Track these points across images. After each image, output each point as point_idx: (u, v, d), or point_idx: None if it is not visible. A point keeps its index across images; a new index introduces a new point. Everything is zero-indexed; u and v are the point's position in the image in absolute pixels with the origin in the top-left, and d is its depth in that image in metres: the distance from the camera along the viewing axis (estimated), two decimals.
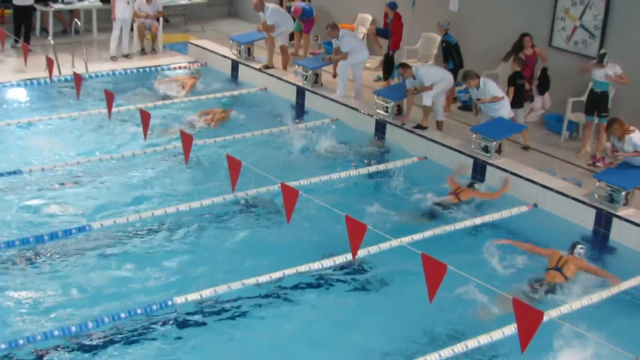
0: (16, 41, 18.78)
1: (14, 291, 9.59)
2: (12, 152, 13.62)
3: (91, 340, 8.71)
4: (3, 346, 8.33)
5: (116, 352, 8.60)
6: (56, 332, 8.63)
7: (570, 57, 15.20)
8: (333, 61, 16.60)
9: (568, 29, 15.31)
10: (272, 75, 17.47)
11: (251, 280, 9.71)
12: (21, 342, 8.44)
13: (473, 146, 13.37)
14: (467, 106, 16.05)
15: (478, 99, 13.74)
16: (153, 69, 18.69)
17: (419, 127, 14.40)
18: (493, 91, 13.68)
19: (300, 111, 16.47)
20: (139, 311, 9.12)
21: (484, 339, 8.80)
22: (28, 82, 17.22)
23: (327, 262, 10.34)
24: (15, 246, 10.47)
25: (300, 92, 16.66)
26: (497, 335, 8.83)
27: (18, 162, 13.08)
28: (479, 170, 13.15)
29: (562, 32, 15.43)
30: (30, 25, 19.39)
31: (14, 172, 12.55)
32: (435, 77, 14.38)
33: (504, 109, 13.79)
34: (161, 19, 20.25)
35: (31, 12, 19.32)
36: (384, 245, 10.21)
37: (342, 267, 10.37)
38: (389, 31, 17.46)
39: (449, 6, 17.33)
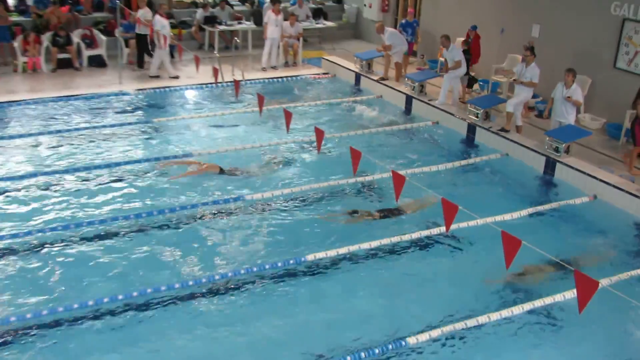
0: (139, 66, 18.94)
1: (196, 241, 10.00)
2: (184, 140, 14.07)
3: (236, 286, 9.05)
4: (135, 293, 8.58)
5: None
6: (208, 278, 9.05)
7: (630, 77, 14.75)
8: (449, 71, 16.08)
9: (631, 54, 14.86)
10: (387, 86, 17.54)
11: (365, 245, 9.88)
12: (193, 283, 8.86)
13: (546, 147, 13.19)
14: (542, 114, 15.80)
15: (568, 97, 13.30)
16: (294, 78, 19.01)
17: (502, 130, 14.31)
18: (579, 96, 13.41)
19: (408, 114, 16.48)
20: (279, 264, 9.35)
21: (548, 300, 8.81)
22: (199, 86, 17.76)
23: (425, 233, 10.45)
24: (187, 209, 10.82)
25: (409, 99, 16.69)
26: (559, 297, 8.83)
27: (188, 147, 13.52)
28: (550, 167, 13.00)
29: (625, 56, 14.99)
30: (145, 48, 18.78)
31: (186, 155, 13.00)
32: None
33: (572, 116, 13.53)
34: (301, 39, 20.52)
35: (146, 39, 18.53)
36: (472, 222, 10.24)
37: (438, 236, 10.46)
38: (467, 52, 17.10)
39: (531, 32, 17.05)
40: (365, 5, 23.53)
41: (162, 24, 17.77)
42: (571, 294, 8.60)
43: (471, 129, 14.84)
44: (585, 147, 14.18)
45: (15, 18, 19.54)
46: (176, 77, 18.20)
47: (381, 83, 17.73)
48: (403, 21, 19.68)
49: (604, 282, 8.69)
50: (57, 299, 8.52)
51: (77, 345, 7.80)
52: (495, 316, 8.43)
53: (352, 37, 24.51)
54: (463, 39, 17.56)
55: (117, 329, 8.08)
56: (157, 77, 18.15)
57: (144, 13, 18.03)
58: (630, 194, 11.66)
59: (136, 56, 19.01)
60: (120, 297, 8.47)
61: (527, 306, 8.67)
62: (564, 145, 12.93)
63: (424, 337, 7.98)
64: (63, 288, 8.76)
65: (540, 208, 11.58)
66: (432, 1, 20.78)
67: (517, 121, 14.58)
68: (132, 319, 8.27)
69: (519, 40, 16.74)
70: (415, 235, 10.34)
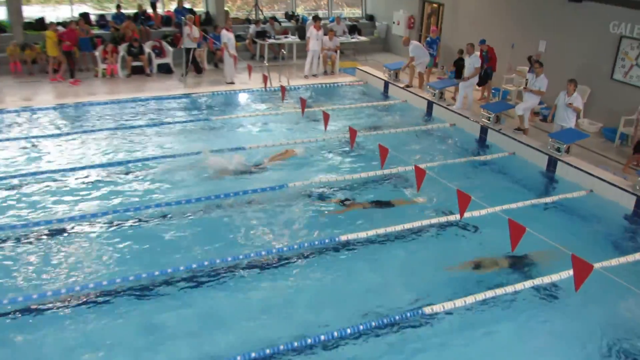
0: (184, 74, 18.52)
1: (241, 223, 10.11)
2: (237, 135, 14.22)
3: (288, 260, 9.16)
4: (206, 263, 8.75)
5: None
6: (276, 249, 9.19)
7: (626, 87, 14.57)
8: (468, 79, 15.96)
9: (627, 67, 14.67)
10: (411, 92, 17.49)
11: (390, 228, 9.90)
12: (243, 257, 9.01)
13: (549, 147, 13.09)
14: (546, 119, 15.67)
15: (569, 104, 13.17)
16: (332, 84, 19.05)
17: (518, 129, 14.25)
18: (579, 103, 13.26)
19: (428, 117, 16.43)
20: (316, 242, 9.45)
21: (546, 279, 8.79)
22: (250, 90, 17.88)
23: (442, 219, 10.46)
24: (240, 195, 10.87)
25: (430, 104, 16.65)
26: (556, 277, 8.80)
27: (242, 141, 13.62)
28: (552, 165, 12.89)
29: (622, 69, 14.79)
30: (189, 59, 18.56)
31: (239, 148, 13.14)
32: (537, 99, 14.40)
33: (573, 121, 13.40)
34: (338, 51, 20.52)
35: (190, 51, 18.44)
36: (483, 211, 10.21)
37: (452, 223, 10.46)
38: (487, 60, 16.93)
39: (538, 47, 16.89)
40: (394, 22, 23.48)
41: (228, 37, 18.18)
42: (567, 274, 8.56)
43: (483, 130, 14.75)
44: (583, 148, 14.03)
45: (96, 31, 19.95)
46: (232, 83, 18.37)
47: (406, 90, 17.68)
48: (428, 39, 19.58)
49: (597, 265, 8.70)
50: (133, 267, 8.76)
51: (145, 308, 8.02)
52: (500, 291, 8.46)
53: (382, 50, 24.42)
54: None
55: (178, 295, 8.29)
56: (232, 83, 18.34)
57: (192, 31, 18.22)
58: (622, 189, 11.54)
59: (196, 64, 19.21)
60: (181, 267, 8.66)
61: (529, 283, 8.67)
62: (565, 146, 12.82)
63: (438, 307, 8.04)
64: (134, 258, 9.00)
65: (542, 200, 11.51)
66: (452, 19, 20.66)
67: (524, 124, 14.46)
68: (191, 287, 8.46)
69: (527, 54, 16.58)
70: (433, 221, 10.36)
